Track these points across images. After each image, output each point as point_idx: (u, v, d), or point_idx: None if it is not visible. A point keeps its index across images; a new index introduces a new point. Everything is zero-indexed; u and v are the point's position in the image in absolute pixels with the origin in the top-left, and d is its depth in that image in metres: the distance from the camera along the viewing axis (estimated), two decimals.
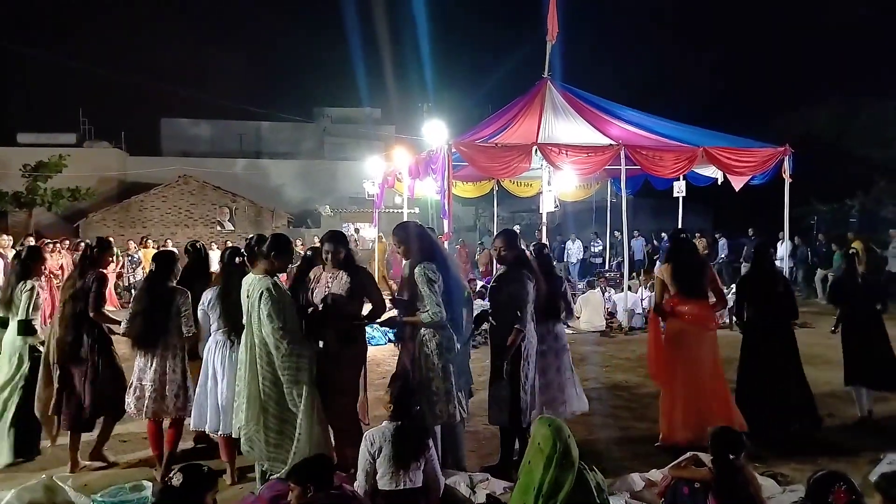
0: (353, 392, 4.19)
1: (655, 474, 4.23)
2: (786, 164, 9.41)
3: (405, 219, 11.01)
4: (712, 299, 5.14)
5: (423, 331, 4.08)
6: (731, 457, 3.26)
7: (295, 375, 3.83)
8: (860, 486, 3.02)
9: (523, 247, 4.96)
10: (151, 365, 4.32)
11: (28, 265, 4.86)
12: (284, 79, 28.47)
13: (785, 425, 5.09)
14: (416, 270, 4.09)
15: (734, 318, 5.39)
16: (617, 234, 14.95)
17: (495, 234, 5.08)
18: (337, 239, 4.24)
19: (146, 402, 4.31)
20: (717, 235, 18.26)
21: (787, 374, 5.12)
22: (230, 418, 4.09)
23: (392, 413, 3.49)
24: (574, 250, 17.28)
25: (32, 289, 4.73)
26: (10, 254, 9.31)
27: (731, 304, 6.46)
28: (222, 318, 4.36)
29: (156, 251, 4.81)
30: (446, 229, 8.87)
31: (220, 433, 4.29)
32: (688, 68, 23.91)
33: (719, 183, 10.39)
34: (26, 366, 4.74)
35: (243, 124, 27.76)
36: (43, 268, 5.14)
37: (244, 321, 3.97)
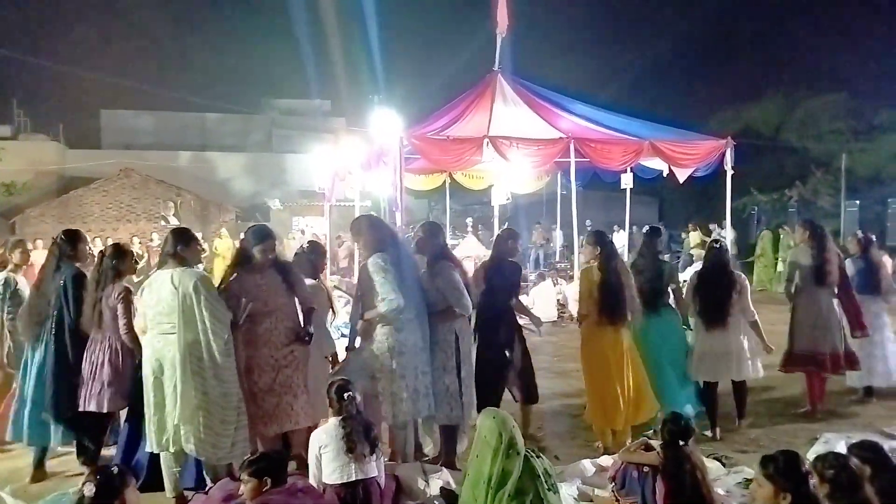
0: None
1: (606, 460, 4.32)
2: (727, 157, 9.67)
3: (357, 212, 10.94)
4: None
5: (378, 332, 4.06)
6: (680, 441, 3.36)
7: (230, 367, 3.78)
8: None
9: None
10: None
11: None
12: (231, 70, 27.78)
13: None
14: (368, 262, 4.08)
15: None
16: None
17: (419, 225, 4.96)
18: (267, 235, 4.10)
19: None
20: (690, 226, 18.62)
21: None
22: None
23: (335, 410, 3.50)
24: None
25: None
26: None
27: None
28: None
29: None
30: (399, 222, 8.85)
31: None
32: (634, 63, 24.40)
33: (665, 175, 10.64)
34: None
35: (188, 116, 27.00)
36: None
37: (156, 321, 3.78)
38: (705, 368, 5.19)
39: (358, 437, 3.40)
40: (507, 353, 4.85)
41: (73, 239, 4.55)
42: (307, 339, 4.12)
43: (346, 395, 3.52)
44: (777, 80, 22.71)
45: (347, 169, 11.44)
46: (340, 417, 3.48)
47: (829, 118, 20.91)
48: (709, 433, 5.06)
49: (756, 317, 5.28)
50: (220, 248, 14.82)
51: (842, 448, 3.59)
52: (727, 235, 14.81)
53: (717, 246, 5.45)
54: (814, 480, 2.73)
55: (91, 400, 4.22)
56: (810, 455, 3.74)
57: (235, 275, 4.06)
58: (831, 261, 5.66)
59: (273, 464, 3.19)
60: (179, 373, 3.70)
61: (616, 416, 4.71)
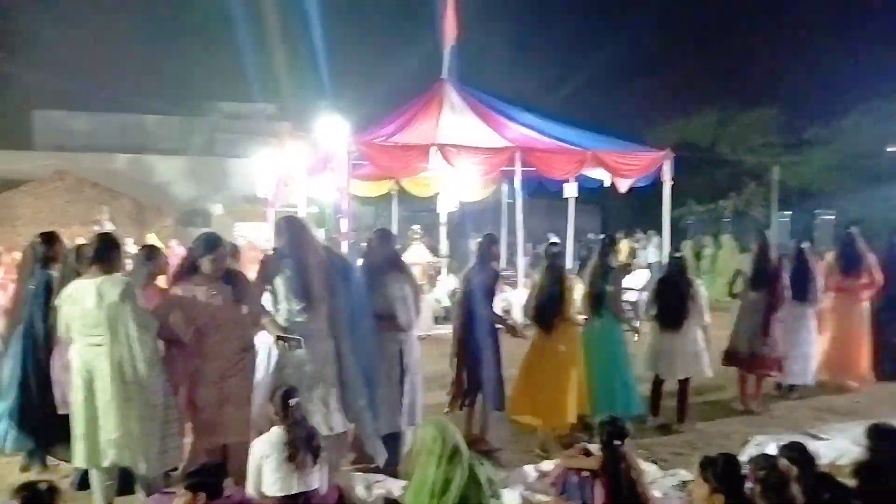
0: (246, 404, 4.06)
1: (548, 465, 4.39)
2: (666, 168, 9.97)
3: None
4: None
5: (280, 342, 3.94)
6: (617, 443, 3.46)
7: (155, 377, 3.67)
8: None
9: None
10: None
11: None
12: (172, 71, 26.98)
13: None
14: None
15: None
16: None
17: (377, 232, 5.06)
18: (218, 245, 3.92)
19: None
20: (617, 236, 19.15)
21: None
22: None
23: (280, 417, 3.45)
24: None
25: None
26: None
27: None
28: None
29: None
30: (344, 229, 8.78)
31: None
32: (577, 74, 24.92)
33: (606, 185, 10.87)
34: None
35: (126, 117, 26.11)
36: None
37: (84, 332, 3.63)
38: (658, 365, 5.67)
39: (301, 446, 3.35)
40: (482, 356, 5.05)
41: (49, 241, 4.40)
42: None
43: (290, 401, 3.46)
44: (713, 94, 23.51)
45: (292, 174, 11.29)
46: (284, 425, 3.42)
47: (762, 132, 21.78)
48: (651, 421, 5.61)
49: (708, 321, 5.74)
50: None
51: (771, 449, 3.75)
52: (656, 243, 15.56)
53: (678, 256, 5.93)
54: (749, 482, 2.85)
55: (65, 404, 4.05)
56: (743, 457, 3.89)
57: (180, 285, 3.91)
58: (768, 268, 6.14)
59: (209, 477, 3.11)
60: (110, 384, 3.57)
61: (518, 408, 5.20)
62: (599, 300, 5.39)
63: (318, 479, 3.42)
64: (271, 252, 4.20)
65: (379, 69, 24.38)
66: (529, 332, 5.43)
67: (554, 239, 6.34)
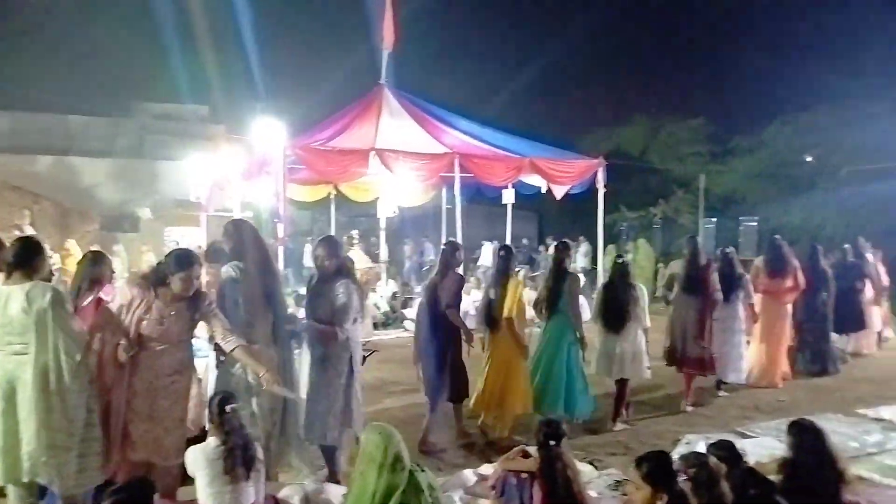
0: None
1: (487, 468, 4.41)
2: (600, 175, 10.23)
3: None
4: None
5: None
6: (552, 443, 3.53)
7: (77, 389, 3.47)
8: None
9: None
10: None
11: None
12: (98, 70, 25.94)
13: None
14: (222, 270, 3.94)
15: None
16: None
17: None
18: (191, 263, 3.67)
19: None
20: (548, 241, 19.82)
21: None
22: None
23: (215, 425, 3.35)
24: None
25: None
26: None
27: None
28: None
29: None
30: (281, 234, 8.63)
31: None
32: (514, 81, 25.33)
33: (543, 192, 11.07)
34: None
35: (49, 118, 24.89)
36: None
37: (5, 340, 3.41)
38: (603, 367, 5.88)
39: (236, 457, 3.25)
40: (448, 356, 5.26)
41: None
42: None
43: (227, 407, 3.35)
44: (645, 104, 24.29)
45: (227, 178, 11.02)
46: (219, 433, 3.30)
47: (690, 142, 22.61)
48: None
49: (648, 324, 5.97)
50: (68, 264, 13.07)
51: (702, 448, 3.88)
52: (584, 251, 16.13)
53: (621, 261, 6.12)
54: (682, 479, 2.94)
55: None
56: (675, 455, 4.01)
57: (146, 296, 3.69)
58: (700, 273, 6.45)
59: (136, 493, 2.98)
60: (32, 394, 3.38)
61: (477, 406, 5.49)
62: (555, 302, 5.61)
63: (252, 494, 3.33)
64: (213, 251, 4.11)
65: (316, 73, 24.08)
66: (478, 334, 5.62)
67: (487, 244, 6.53)
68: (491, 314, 5.43)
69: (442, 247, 5.67)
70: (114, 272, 4.51)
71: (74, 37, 25.68)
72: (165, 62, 19.86)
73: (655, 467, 2.92)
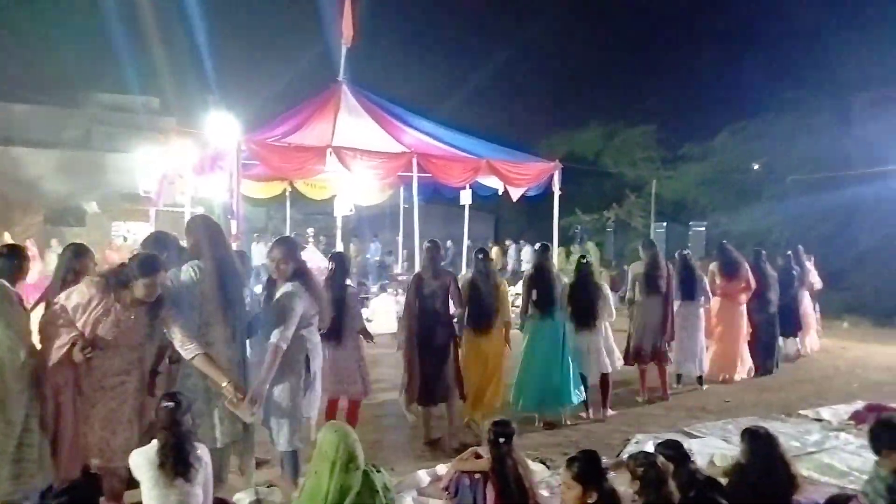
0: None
1: (441, 469, 4.42)
2: (556, 178, 10.35)
3: (187, 218, 10.25)
4: None
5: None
6: (502, 441, 3.59)
7: (19, 391, 3.36)
8: (612, 466, 3.55)
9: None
10: None
11: None
12: (44, 57, 25.00)
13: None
14: (182, 268, 3.81)
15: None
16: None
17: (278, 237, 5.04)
18: (156, 269, 3.52)
19: None
20: (507, 242, 20.19)
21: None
22: None
23: (158, 433, 3.23)
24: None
25: None
26: None
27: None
28: None
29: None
30: (234, 231, 8.46)
31: None
32: (472, 82, 25.48)
33: (500, 193, 11.14)
34: None
35: None
36: None
37: None
38: (578, 363, 6.08)
39: (168, 455, 3.13)
40: (441, 355, 5.40)
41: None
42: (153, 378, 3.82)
43: (164, 404, 3.20)
44: (599, 109, 24.72)
45: (178, 172, 10.75)
46: (161, 442, 3.15)
47: (642, 147, 23.15)
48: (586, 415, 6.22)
49: (612, 318, 6.45)
50: None
51: (650, 447, 3.96)
52: (525, 251, 16.73)
53: (585, 262, 6.40)
54: (612, 475, 3.01)
55: None
56: (624, 455, 4.08)
57: (105, 297, 3.52)
58: (661, 274, 6.85)
59: (81, 495, 2.88)
60: None
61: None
62: (552, 302, 5.93)
63: (200, 496, 3.23)
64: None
65: (272, 68, 23.73)
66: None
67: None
68: (484, 313, 5.64)
69: (426, 245, 5.68)
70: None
71: (20, 22, 24.71)
72: (116, 52, 19.29)
73: (585, 467, 3.00)
